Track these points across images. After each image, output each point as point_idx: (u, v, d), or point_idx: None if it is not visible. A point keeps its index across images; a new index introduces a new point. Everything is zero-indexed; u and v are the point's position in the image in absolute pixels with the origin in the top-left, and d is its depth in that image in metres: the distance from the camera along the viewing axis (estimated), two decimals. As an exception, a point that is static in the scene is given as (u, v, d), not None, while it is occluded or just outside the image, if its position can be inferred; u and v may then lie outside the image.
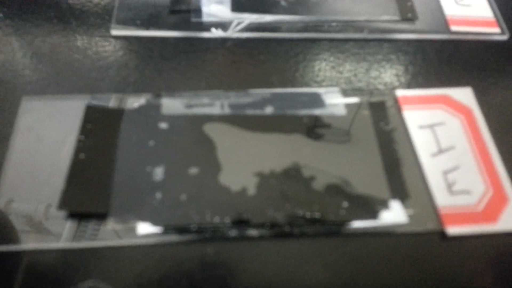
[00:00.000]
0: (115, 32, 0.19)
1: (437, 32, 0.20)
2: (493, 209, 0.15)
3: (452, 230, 0.15)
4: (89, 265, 0.14)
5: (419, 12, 0.21)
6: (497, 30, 0.20)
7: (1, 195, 0.14)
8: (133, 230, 0.14)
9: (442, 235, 0.15)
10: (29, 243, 0.14)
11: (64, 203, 0.14)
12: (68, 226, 0.14)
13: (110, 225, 0.14)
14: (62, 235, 0.14)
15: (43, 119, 0.16)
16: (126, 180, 0.15)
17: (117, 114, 0.17)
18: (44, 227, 0.14)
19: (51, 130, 0.16)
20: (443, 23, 0.20)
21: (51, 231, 0.14)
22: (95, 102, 0.17)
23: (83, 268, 0.14)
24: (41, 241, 0.14)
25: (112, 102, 0.17)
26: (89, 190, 0.15)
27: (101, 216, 0.14)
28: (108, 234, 0.14)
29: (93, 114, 0.16)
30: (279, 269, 0.14)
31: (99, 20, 0.19)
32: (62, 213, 0.14)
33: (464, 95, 0.18)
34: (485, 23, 0.21)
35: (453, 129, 0.17)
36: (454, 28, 0.20)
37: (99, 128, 0.16)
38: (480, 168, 0.16)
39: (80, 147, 0.16)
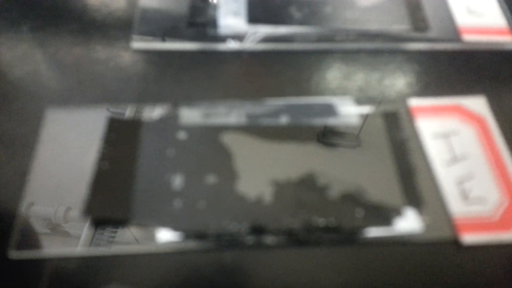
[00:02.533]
0: (135, 44, 0.20)
1: (449, 41, 0.20)
2: (509, 218, 0.15)
3: (468, 238, 0.15)
4: (109, 270, 0.14)
5: (431, 22, 0.21)
6: (511, 39, 0.20)
7: (24, 199, 0.15)
8: (152, 236, 0.15)
9: (458, 244, 0.15)
10: (48, 245, 0.14)
11: (88, 210, 0.15)
12: (87, 229, 0.15)
13: (131, 231, 0.15)
14: (81, 238, 0.14)
15: (66, 128, 0.17)
16: (147, 188, 0.15)
17: (138, 124, 0.17)
18: (63, 230, 0.15)
19: (73, 139, 0.17)
20: (455, 32, 0.20)
21: (69, 234, 0.15)
22: (116, 113, 0.17)
23: (103, 272, 0.14)
24: (60, 243, 0.14)
25: (132, 112, 0.18)
26: (111, 197, 0.15)
27: (122, 223, 0.15)
28: (126, 240, 0.14)
29: (115, 125, 0.17)
30: (294, 276, 0.14)
31: (120, 33, 0.20)
32: (81, 217, 0.15)
33: (478, 104, 0.18)
34: (499, 32, 0.21)
35: (467, 138, 0.17)
36: (466, 37, 0.20)
37: (121, 138, 0.17)
38: (495, 176, 0.16)
39: (103, 156, 0.16)
